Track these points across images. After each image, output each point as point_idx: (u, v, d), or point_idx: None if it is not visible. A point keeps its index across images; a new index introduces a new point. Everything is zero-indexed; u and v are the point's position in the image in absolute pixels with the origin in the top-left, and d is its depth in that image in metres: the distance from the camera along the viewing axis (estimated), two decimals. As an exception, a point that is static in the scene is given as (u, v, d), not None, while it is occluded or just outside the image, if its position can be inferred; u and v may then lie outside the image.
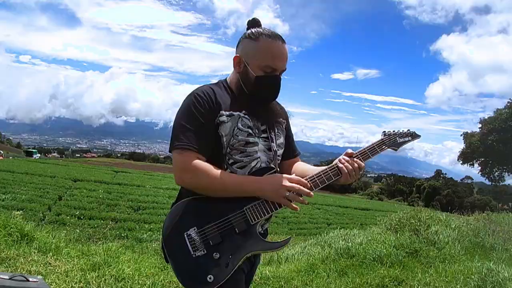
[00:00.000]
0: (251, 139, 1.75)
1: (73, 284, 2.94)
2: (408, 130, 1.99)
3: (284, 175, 1.71)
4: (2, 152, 61.17)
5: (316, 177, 1.75)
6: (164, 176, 45.54)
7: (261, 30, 1.77)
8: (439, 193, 61.95)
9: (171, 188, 29.99)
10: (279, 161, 1.90)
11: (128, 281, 3.19)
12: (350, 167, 1.75)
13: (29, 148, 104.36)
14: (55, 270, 3.25)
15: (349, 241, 6.38)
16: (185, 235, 1.62)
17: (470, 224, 7.25)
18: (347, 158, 1.78)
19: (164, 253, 1.68)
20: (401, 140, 1.95)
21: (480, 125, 47.51)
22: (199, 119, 1.67)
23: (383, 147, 1.90)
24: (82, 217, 16.48)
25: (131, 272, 3.41)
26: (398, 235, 6.13)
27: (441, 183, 68.64)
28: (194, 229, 1.63)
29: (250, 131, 1.75)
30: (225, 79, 1.89)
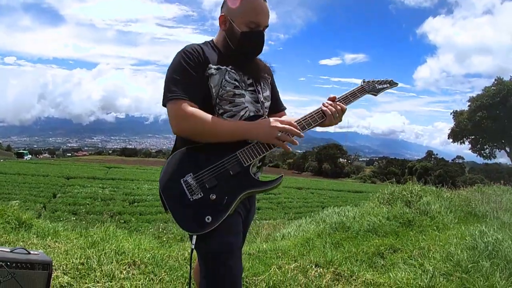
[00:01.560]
0: (237, 91, 1.84)
1: (73, 260, 2.97)
2: (387, 79, 2.13)
3: (275, 118, 1.81)
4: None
5: (303, 120, 1.86)
6: (157, 170, 45.43)
7: None
8: (431, 173, 62.45)
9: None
10: (266, 113, 1.98)
11: (128, 254, 3.23)
12: (334, 109, 1.87)
13: (19, 150, 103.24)
14: (55, 250, 3.28)
15: (343, 215, 6.47)
16: (182, 181, 1.69)
17: (461, 196, 7.35)
18: (330, 102, 1.90)
19: (162, 202, 1.75)
20: (380, 86, 2.10)
21: (469, 103, 47.76)
22: (190, 71, 1.75)
23: (363, 92, 2.05)
24: (77, 213, 16.50)
25: (130, 247, 3.45)
26: (391, 207, 6.22)
27: (432, 164, 69.10)
28: (190, 175, 1.70)
29: (236, 83, 1.85)
30: (211, 40, 1.98)
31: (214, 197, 1.67)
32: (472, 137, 48.34)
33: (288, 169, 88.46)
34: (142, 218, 16.86)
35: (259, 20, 1.83)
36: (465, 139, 48.93)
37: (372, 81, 2.10)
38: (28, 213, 4.31)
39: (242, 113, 1.84)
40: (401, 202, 6.40)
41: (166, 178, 1.73)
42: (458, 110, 50.03)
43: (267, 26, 1.88)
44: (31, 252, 2.25)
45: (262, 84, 1.99)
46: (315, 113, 1.89)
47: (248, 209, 1.97)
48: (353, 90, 2.03)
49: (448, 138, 50.55)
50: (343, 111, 1.90)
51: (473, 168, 68.41)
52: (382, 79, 2.12)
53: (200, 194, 1.67)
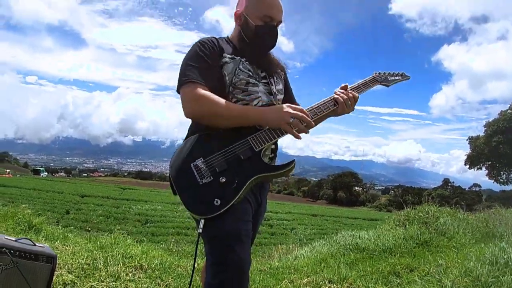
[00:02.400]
0: (251, 80, 1.86)
1: (80, 260, 2.92)
2: (399, 72, 2.15)
3: (287, 104, 1.80)
4: (9, 170, 61.71)
5: (315, 108, 1.86)
6: (171, 193, 45.30)
7: None
8: (448, 201, 61.24)
9: (178, 203, 29.85)
10: None
11: (135, 258, 3.17)
12: (345, 96, 1.87)
13: (36, 167, 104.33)
14: (62, 252, 3.23)
15: (358, 237, 6.32)
16: (192, 166, 1.68)
17: (479, 217, 7.14)
18: (342, 90, 1.91)
19: (172, 186, 1.73)
20: (392, 78, 2.11)
21: (485, 128, 46.67)
22: (204, 59, 1.78)
23: (375, 82, 2.07)
24: (90, 230, 16.50)
25: (138, 252, 3.39)
26: (407, 228, 6.06)
27: (449, 192, 67.81)
28: (201, 159, 1.69)
29: (250, 73, 1.87)
30: (227, 36, 2.02)
31: (223, 180, 1.64)
32: (489, 162, 47.01)
33: (303, 196, 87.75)
34: (154, 239, 16.75)
35: (273, 14, 1.88)
36: (481, 165, 47.61)
37: (384, 73, 2.11)
38: (39, 218, 4.29)
39: (255, 102, 1.85)
40: (418, 223, 6.23)
41: (176, 163, 1.72)
42: (474, 135, 48.83)
43: (280, 22, 1.93)
44: (37, 244, 2.20)
45: (275, 78, 2.00)
46: (327, 101, 1.89)
47: (259, 203, 1.93)
48: (364, 80, 2.04)
49: (465, 165, 49.09)
50: (355, 99, 1.90)
51: (490, 196, 66.87)
52: (394, 72, 2.13)
53: (210, 178, 1.65)
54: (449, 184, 75.60)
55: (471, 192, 68.43)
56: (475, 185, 72.08)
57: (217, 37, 1.95)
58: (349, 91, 1.91)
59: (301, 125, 1.73)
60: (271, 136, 1.75)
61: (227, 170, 1.66)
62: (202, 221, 1.62)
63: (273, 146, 1.90)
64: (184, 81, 1.73)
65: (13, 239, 2.11)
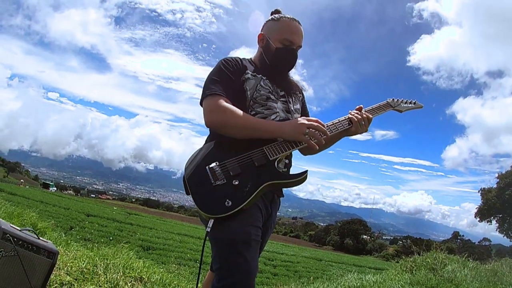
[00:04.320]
0: (271, 96, 1.95)
1: (80, 264, 2.89)
2: (412, 100, 2.24)
3: (302, 117, 1.90)
4: (22, 181, 62.88)
5: (330, 125, 1.93)
6: (177, 223, 45.01)
7: (282, 14, 2.04)
8: (457, 255, 59.37)
9: (183, 234, 29.62)
10: None
11: (136, 270, 3.13)
12: (360, 117, 1.96)
13: (46, 181, 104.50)
14: (63, 256, 3.19)
15: (363, 280, 6.15)
16: (207, 168, 1.72)
17: (487, 266, 6.96)
18: (356, 111, 2.00)
19: (185, 186, 1.75)
20: (405, 105, 2.21)
21: (497, 180, 45.62)
22: (227, 74, 1.89)
23: (388, 107, 2.16)
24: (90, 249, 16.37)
25: (140, 265, 3.35)
26: (414, 273, 5.90)
27: (458, 245, 65.98)
28: (216, 162, 1.74)
29: (270, 90, 1.96)
30: (250, 58, 2.13)
31: (236, 183, 1.67)
32: (500, 215, 45.63)
33: (309, 241, 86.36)
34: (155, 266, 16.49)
35: (293, 38, 1.99)
36: (492, 217, 46.16)
37: (398, 99, 2.21)
38: (44, 222, 4.28)
39: (273, 116, 1.92)
40: (425, 269, 6.08)
41: (192, 165, 1.77)
42: (486, 188, 47.56)
43: (300, 46, 2.04)
44: (41, 238, 2.19)
45: (293, 98, 2.09)
46: (342, 120, 1.98)
47: (270, 214, 1.94)
48: (379, 104, 2.14)
49: (475, 217, 47.69)
50: (368, 119, 1.99)
51: (500, 251, 64.96)
52: (407, 99, 2.23)
53: (224, 180, 1.68)
54: (459, 238, 73.65)
55: (481, 246, 66.26)
56: (485, 239, 69.95)
57: (240, 57, 2.05)
58: (363, 112, 1.99)
59: (317, 135, 1.78)
60: (285, 147, 1.80)
61: (240, 174, 1.70)
62: (212, 220, 1.63)
63: (286, 161, 1.94)
64: (207, 94, 1.83)
65: (18, 228, 2.11)
